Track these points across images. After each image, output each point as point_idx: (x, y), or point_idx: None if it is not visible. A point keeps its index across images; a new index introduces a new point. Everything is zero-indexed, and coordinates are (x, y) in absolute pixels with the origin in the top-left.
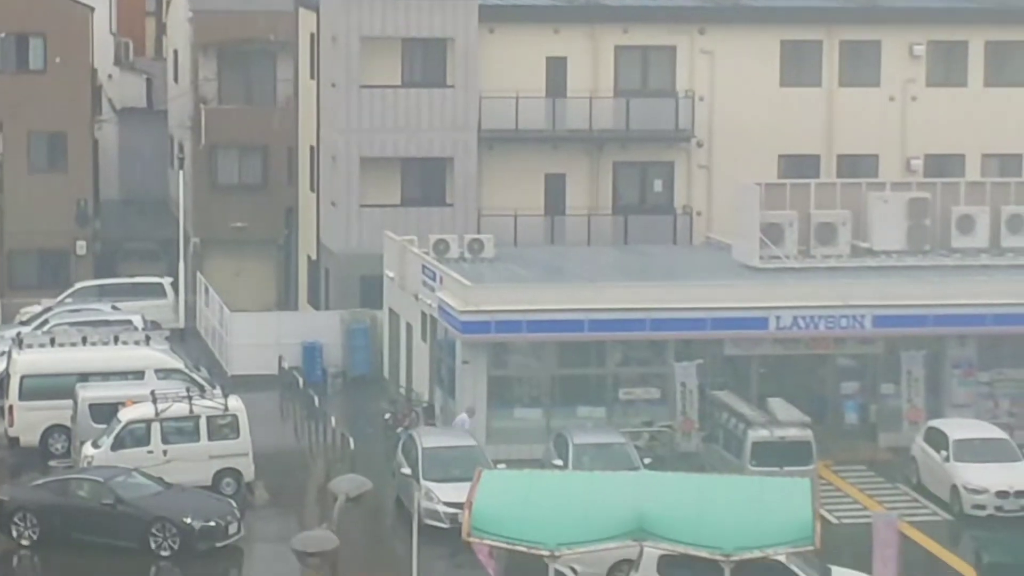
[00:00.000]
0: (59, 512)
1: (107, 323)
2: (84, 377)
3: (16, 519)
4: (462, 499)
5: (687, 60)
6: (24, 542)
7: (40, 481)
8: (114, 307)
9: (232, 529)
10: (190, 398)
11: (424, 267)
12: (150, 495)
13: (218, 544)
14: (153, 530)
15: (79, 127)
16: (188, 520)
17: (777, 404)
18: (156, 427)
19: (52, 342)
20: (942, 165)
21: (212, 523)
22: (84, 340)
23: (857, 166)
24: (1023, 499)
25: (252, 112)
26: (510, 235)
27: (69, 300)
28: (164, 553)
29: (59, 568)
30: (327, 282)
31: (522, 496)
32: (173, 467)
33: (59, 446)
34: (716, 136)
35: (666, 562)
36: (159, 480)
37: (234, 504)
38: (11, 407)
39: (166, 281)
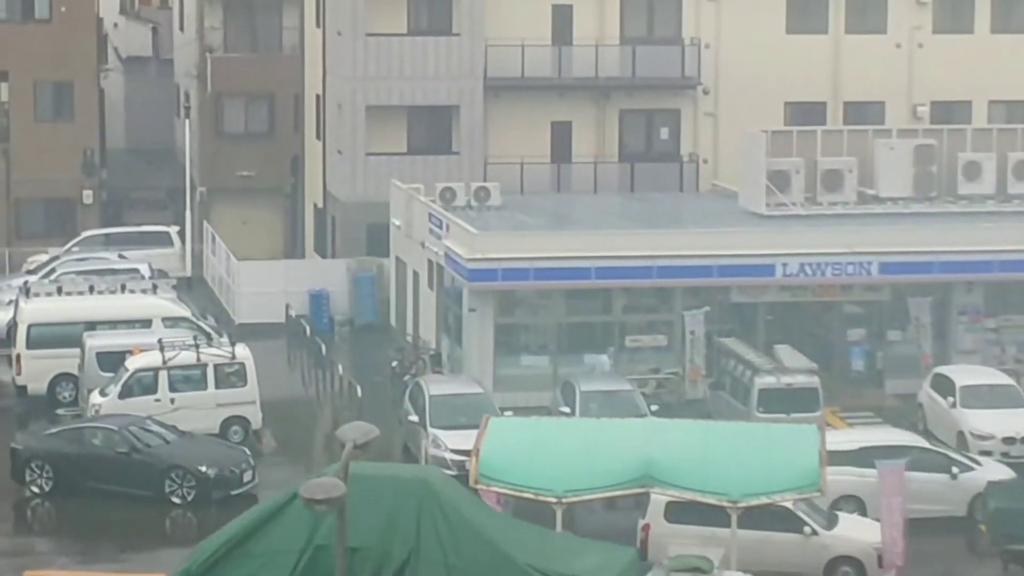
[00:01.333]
0: (73, 461)
1: (114, 272)
2: (91, 326)
3: (30, 468)
4: (469, 447)
5: (693, 7)
6: (37, 491)
7: (54, 430)
8: (121, 256)
9: (247, 477)
10: (197, 346)
11: (430, 215)
12: (165, 443)
13: (233, 492)
14: (169, 478)
15: (85, 76)
16: (203, 468)
17: (784, 351)
18: (163, 375)
19: (59, 291)
20: (948, 112)
21: (227, 471)
22: (91, 289)
23: (863, 113)
24: None
25: (258, 60)
26: (516, 183)
27: (76, 249)
28: (178, 501)
29: (74, 516)
30: (334, 230)
31: (529, 443)
32: (180, 415)
33: (66, 394)
34: (722, 83)
35: (673, 509)
36: (173, 428)
37: (248, 452)
38: (18, 356)
39: (173, 230)
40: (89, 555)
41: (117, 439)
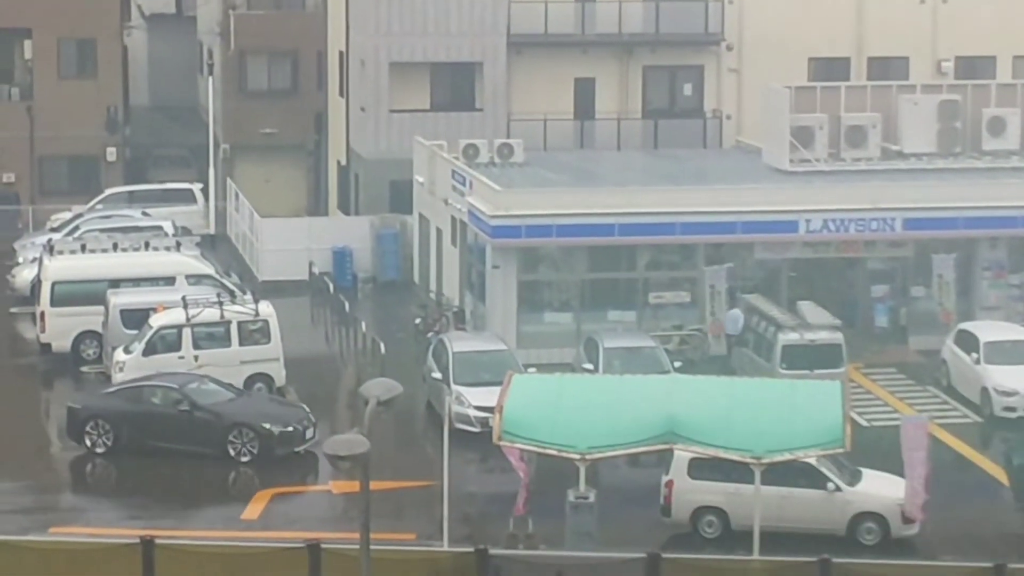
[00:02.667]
0: (133, 419)
1: (138, 229)
2: (115, 283)
3: (89, 427)
4: (493, 403)
5: None
6: (99, 450)
7: (112, 388)
8: (144, 213)
9: (309, 434)
10: (221, 303)
11: (454, 172)
12: (226, 401)
13: (296, 449)
14: (232, 436)
15: (108, 34)
16: (267, 425)
17: (807, 307)
18: (187, 333)
19: (83, 248)
20: (973, 67)
21: (290, 428)
22: (115, 246)
23: (887, 69)
24: None
25: (281, 17)
26: (539, 140)
27: (99, 206)
28: (244, 459)
29: (136, 475)
30: (357, 187)
31: (552, 400)
32: (204, 372)
33: (91, 352)
34: (746, 39)
35: (696, 465)
36: (230, 386)
37: (307, 409)
38: (43, 313)
39: (196, 187)
40: (153, 512)
41: (178, 397)
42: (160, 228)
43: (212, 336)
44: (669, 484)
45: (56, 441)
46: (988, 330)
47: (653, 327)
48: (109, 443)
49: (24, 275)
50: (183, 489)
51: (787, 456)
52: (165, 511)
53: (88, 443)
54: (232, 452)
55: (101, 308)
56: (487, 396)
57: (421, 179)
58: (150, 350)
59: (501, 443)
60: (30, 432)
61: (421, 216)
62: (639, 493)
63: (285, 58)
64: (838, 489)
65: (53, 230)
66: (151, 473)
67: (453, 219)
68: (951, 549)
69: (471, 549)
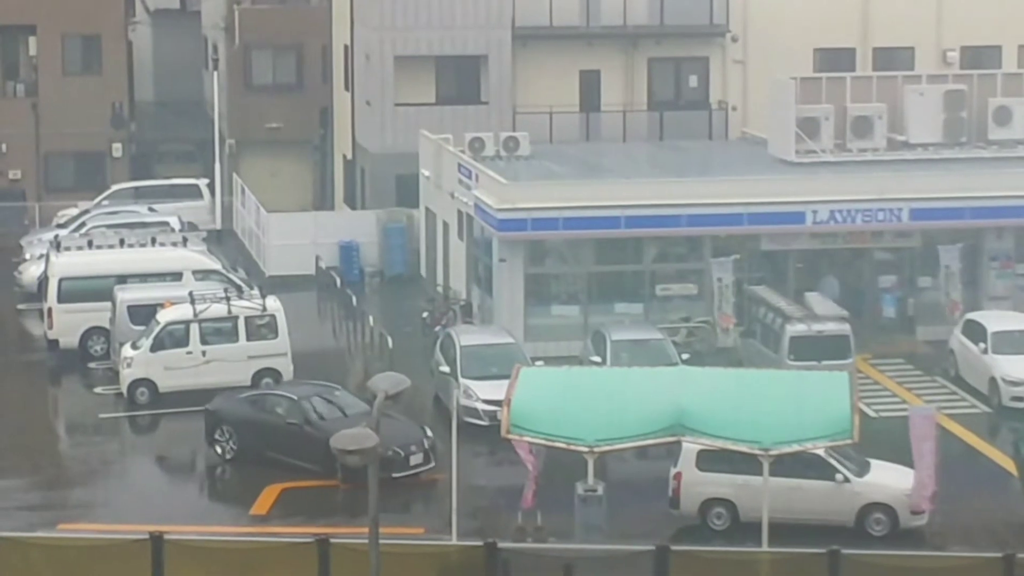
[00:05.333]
0: (253, 428)
1: (144, 225)
2: (122, 279)
3: (218, 433)
4: (500, 397)
5: None
6: (228, 456)
7: (245, 394)
8: (151, 209)
9: (414, 460)
10: (228, 299)
11: (460, 165)
12: (342, 416)
13: (394, 475)
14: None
15: (113, 29)
16: None
17: (815, 298)
18: (195, 328)
19: (90, 244)
20: (978, 57)
21: (389, 452)
22: (121, 242)
23: (893, 59)
24: None
25: (286, 12)
26: (545, 132)
27: (106, 202)
28: (340, 479)
29: (246, 483)
30: (363, 181)
31: (560, 393)
32: (212, 368)
33: (98, 348)
34: (751, 31)
35: (705, 457)
36: (367, 401)
37: (426, 432)
38: (50, 310)
39: (202, 182)
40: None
41: (292, 408)
42: (166, 224)
43: (219, 331)
44: (677, 476)
45: (64, 437)
46: (996, 320)
47: (660, 319)
48: (235, 450)
49: (31, 272)
50: (193, 484)
51: (795, 447)
52: (175, 506)
53: (218, 450)
54: (338, 470)
55: (108, 304)
56: (495, 389)
57: (427, 173)
58: (158, 346)
59: (509, 436)
60: (38, 428)
61: (427, 210)
62: (647, 485)
63: (290, 52)
64: (846, 480)
65: (59, 226)
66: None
67: (459, 212)
68: (960, 540)
69: (480, 543)
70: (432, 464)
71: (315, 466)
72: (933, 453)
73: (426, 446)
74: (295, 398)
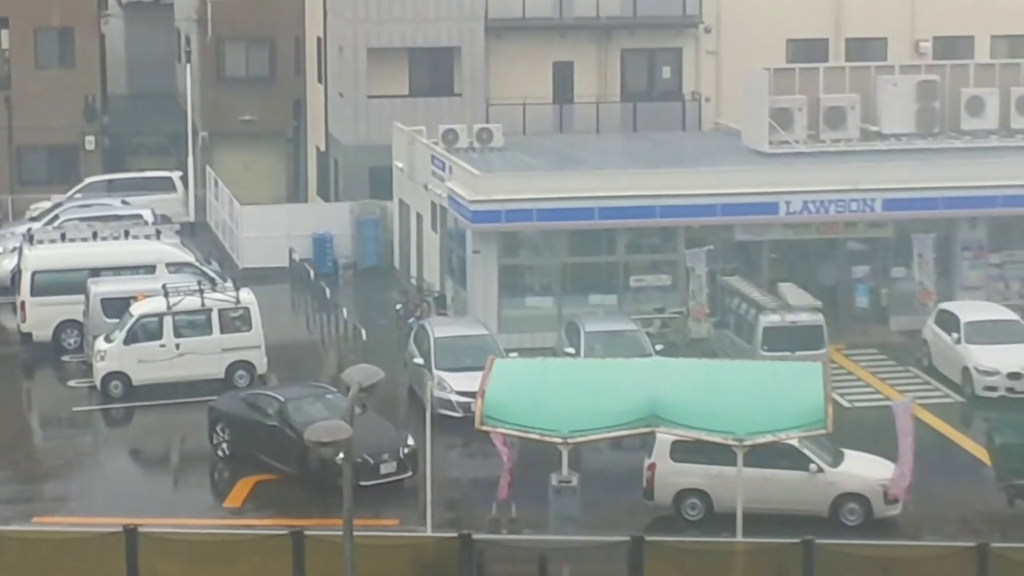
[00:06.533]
0: (244, 427)
1: (117, 218)
2: (95, 272)
3: (217, 429)
4: (475, 388)
5: None
6: (220, 453)
7: (244, 393)
8: (124, 202)
9: (385, 468)
10: (202, 291)
11: (433, 157)
12: (319, 420)
13: (362, 483)
14: (307, 458)
15: (86, 22)
16: None
17: (788, 289)
18: (168, 321)
19: (63, 237)
20: (951, 47)
21: (357, 459)
22: (95, 235)
23: (866, 49)
24: None
25: (258, 4)
26: (519, 124)
27: (79, 195)
28: (317, 483)
29: (221, 476)
30: (336, 173)
31: (534, 384)
32: (186, 361)
33: (72, 341)
34: (724, 22)
35: (679, 448)
36: (362, 406)
37: (406, 440)
38: (23, 303)
39: (176, 175)
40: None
41: (277, 409)
42: (140, 216)
43: (193, 324)
44: (652, 467)
45: (38, 430)
46: (969, 310)
47: (634, 310)
48: (228, 449)
49: (4, 265)
50: (167, 477)
51: (769, 438)
52: (149, 499)
53: (213, 444)
54: (311, 474)
55: (82, 297)
56: (469, 381)
57: (401, 165)
58: (131, 339)
59: (483, 428)
60: (11, 422)
61: (401, 202)
62: (622, 476)
63: (263, 45)
64: (820, 470)
65: (33, 220)
66: (136, 461)
67: (433, 204)
68: (933, 529)
69: (454, 534)
70: (409, 474)
71: (290, 468)
72: (913, 445)
73: (402, 454)
74: (282, 399)
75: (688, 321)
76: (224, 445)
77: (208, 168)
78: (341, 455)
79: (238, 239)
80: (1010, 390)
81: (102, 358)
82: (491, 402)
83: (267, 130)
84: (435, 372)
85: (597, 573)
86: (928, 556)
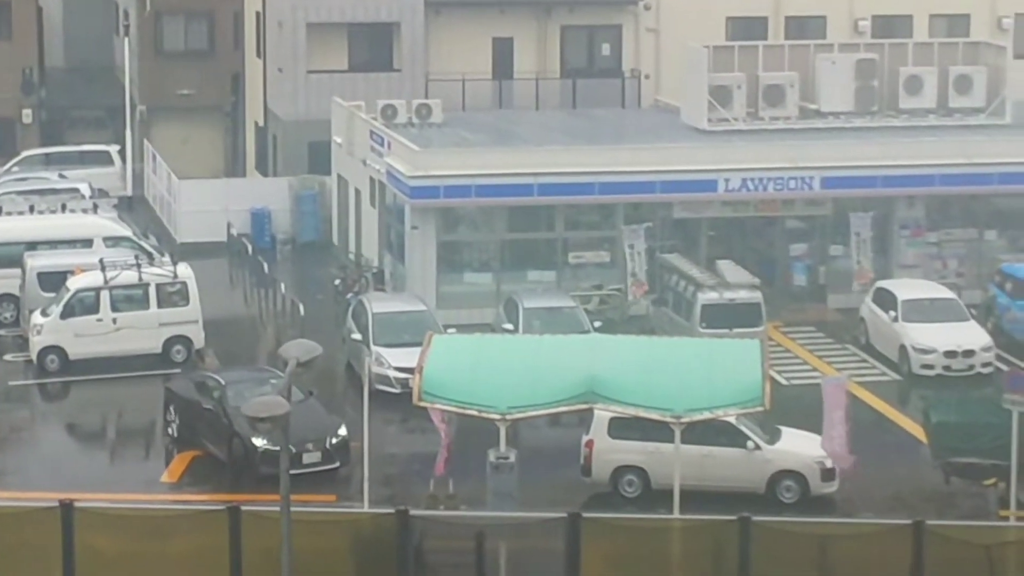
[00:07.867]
0: (188, 408)
1: (54, 191)
2: (32, 246)
3: (167, 413)
4: (413, 364)
5: None
6: (173, 435)
7: (194, 376)
8: (61, 175)
9: (310, 459)
10: (139, 266)
11: (372, 133)
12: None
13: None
14: (232, 444)
15: None
16: (255, 440)
17: (726, 266)
18: (105, 295)
19: None
20: (890, 26)
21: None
22: (31, 209)
23: (805, 28)
24: (971, 358)
25: None
26: (458, 100)
27: (16, 169)
28: (236, 469)
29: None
30: (275, 148)
31: (472, 360)
32: (123, 335)
33: (8, 315)
34: None
35: (616, 424)
36: (308, 392)
37: (338, 428)
38: None
39: (113, 149)
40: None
41: (211, 391)
42: (77, 190)
43: (130, 298)
44: (589, 444)
45: None
46: (906, 288)
47: (573, 287)
48: (176, 430)
49: None
50: (103, 452)
51: (707, 415)
52: (86, 473)
53: (167, 427)
54: (228, 461)
55: (18, 271)
56: (407, 357)
57: (339, 140)
58: (68, 313)
59: (421, 404)
60: None
61: (340, 177)
62: (559, 453)
63: (201, 19)
64: (757, 448)
65: None
66: (72, 435)
67: (372, 180)
68: (870, 507)
69: (392, 510)
70: (336, 465)
71: (221, 452)
72: (844, 422)
73: (329, 444)
74: (221, 382)
75: (626, 298)
76: (173, 426)
77: (146, 142)
78: (263, 441)
79: (176, 213)
80: (946, 368)
81: (38, 332)
82: (429, 378)
83: (205, 104)
84: (373, 348)
85: (534, 550)
86: (864, 533)
